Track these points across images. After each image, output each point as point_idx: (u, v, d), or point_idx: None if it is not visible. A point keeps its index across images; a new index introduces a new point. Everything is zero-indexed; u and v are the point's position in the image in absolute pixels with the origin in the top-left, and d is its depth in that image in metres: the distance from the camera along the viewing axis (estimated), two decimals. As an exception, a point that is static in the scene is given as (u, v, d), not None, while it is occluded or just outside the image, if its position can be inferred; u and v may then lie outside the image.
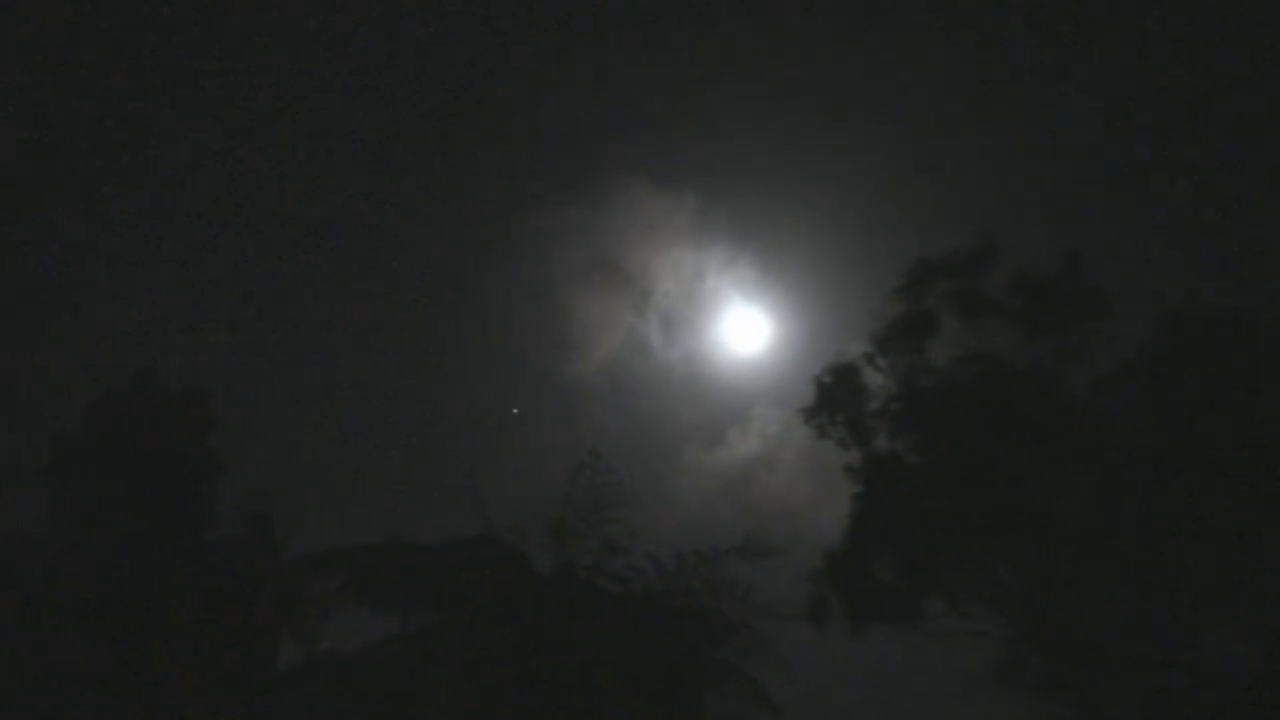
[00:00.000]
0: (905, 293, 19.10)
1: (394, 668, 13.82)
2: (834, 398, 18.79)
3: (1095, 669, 16.26)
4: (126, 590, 14.55)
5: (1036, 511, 17.14)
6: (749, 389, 34.93)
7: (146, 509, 15.61)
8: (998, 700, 16.56)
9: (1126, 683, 15.81)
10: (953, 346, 18.87)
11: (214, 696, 14.32)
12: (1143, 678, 15.76)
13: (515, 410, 31.10)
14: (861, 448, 18.69)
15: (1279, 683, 14.92)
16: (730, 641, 14.77)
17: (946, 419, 18.12)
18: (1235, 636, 15.72)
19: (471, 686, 13.48)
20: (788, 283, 35.80)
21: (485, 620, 14.26)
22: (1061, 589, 16.67)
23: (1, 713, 13.39)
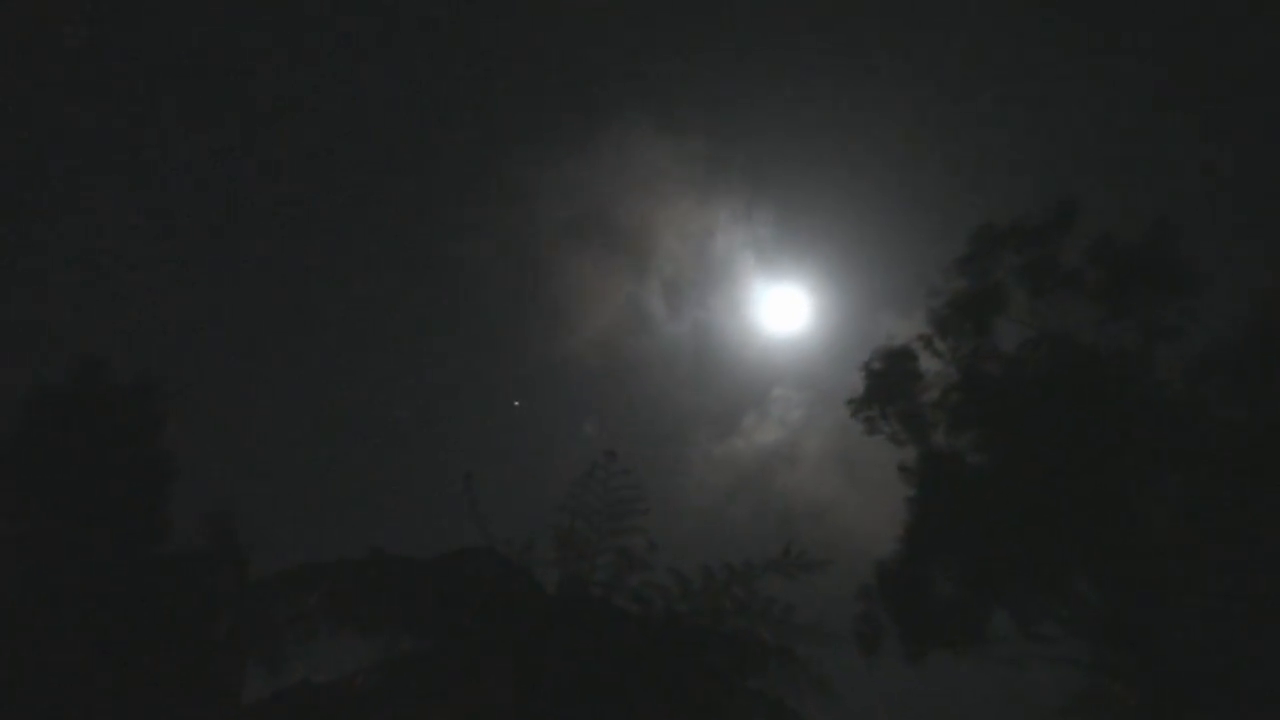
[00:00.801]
0: (968, 264, 18.47)
1: (377, 699, 13.54)
2: (886, 387, 18.24)
3: (1189, 703, 15.59)
4: (66, 612, 14.25)
5: (1121, 518, 16.55)
6: (767, 368, 33.86)
7: (90, 518, 15.35)
8: (1075, 737, 16.04)
9: None
10: (1023, 327, 18.48)
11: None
12: (1247, 713, 15.06)
13: (516, 404, 30.16)
14: (918, 444, 18.11)
15: None
16: (767, 669, 14.48)
17: (1015, 411, 17.69)
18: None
19: (467, 721, 12.74)
20: (812, 244, 34.52)
21: (483, 645, 13.98)
22: (1151, 608, 16.01)
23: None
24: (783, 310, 33.41)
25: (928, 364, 18.75)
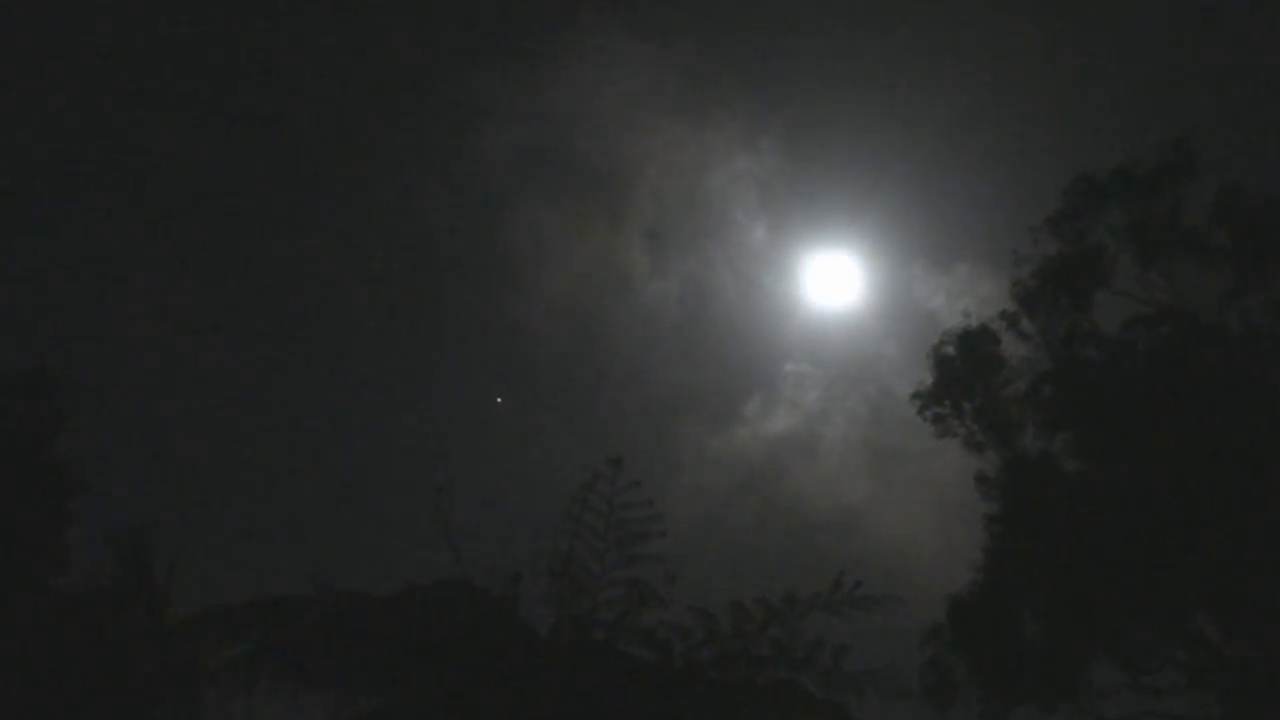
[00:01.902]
0: (1061, 223, 17.59)
1: (328, 769, 13.00)
2: (960, 377, 17.33)
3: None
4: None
5: (1255, 542, 15.53)
6: (776, 339, 32.05)
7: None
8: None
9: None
10: (1130, 301, 17.77)
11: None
12: None
13: (499, 399, 28.89)
14: (1000, 448, 17.30)
15: None
16: (814, 728, 13.71)
17: (1122, 407, 16.88)
18: None
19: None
20: (837, 184, 32.39)
21: (458, 702, 13.41)
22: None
23: None
24: (797, 267, 31.40)
25: (1012, 348, 18.03)
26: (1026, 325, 17.99)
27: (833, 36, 33.57)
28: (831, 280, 31.01)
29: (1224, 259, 17.23)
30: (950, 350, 18.27)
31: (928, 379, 18.39)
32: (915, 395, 18.10)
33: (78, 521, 16.09)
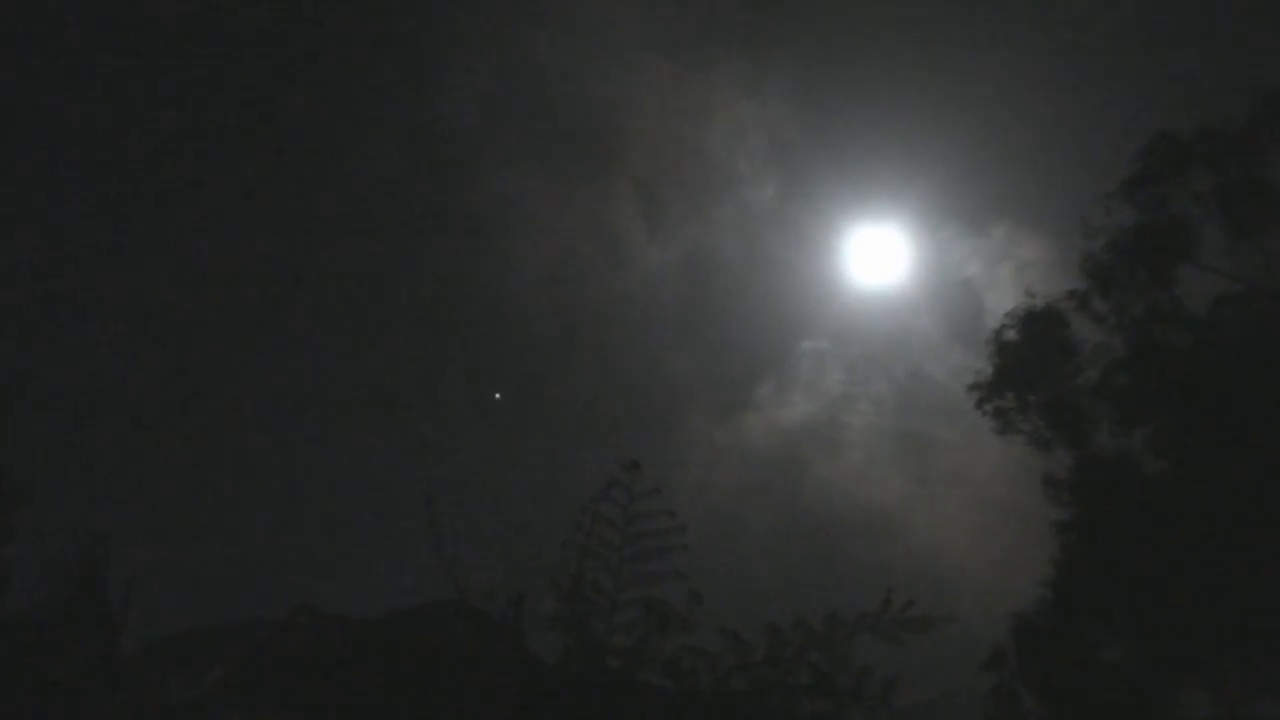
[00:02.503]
0: (1139, 189, 17.00)
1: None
2: (1025, 366, 16.73)
3: None
4: None
5: None
6: (791, 313, 30.76)
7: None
8: None
9: None
10: (1218, 278, 17.05)
11: None
12: None
13: (497, 396, 27.91)
14: (1071, 446, 16.90)
15: None
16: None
17: (1209, 399, 16.24)
18: None
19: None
20: (851, 132, 30.95)
21: None
22: None
23: None
24: (811, 232, 30.24)
25: (1083, 331, 17.43)
26: (1099, 305, 17.44)
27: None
28: (852, 246, 30.00)
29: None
30: (1012, 335, 17.75)
31: (986, 367, 18.02)
32: (974, 387, 17.58)
33: (16, 537, 15.77)
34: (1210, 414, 16.41)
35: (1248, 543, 15.48)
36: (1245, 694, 15.66)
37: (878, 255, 27.69)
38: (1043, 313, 17.77)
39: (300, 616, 13.44)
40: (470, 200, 29.51)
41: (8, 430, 15.41)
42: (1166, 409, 16.70)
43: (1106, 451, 17.07)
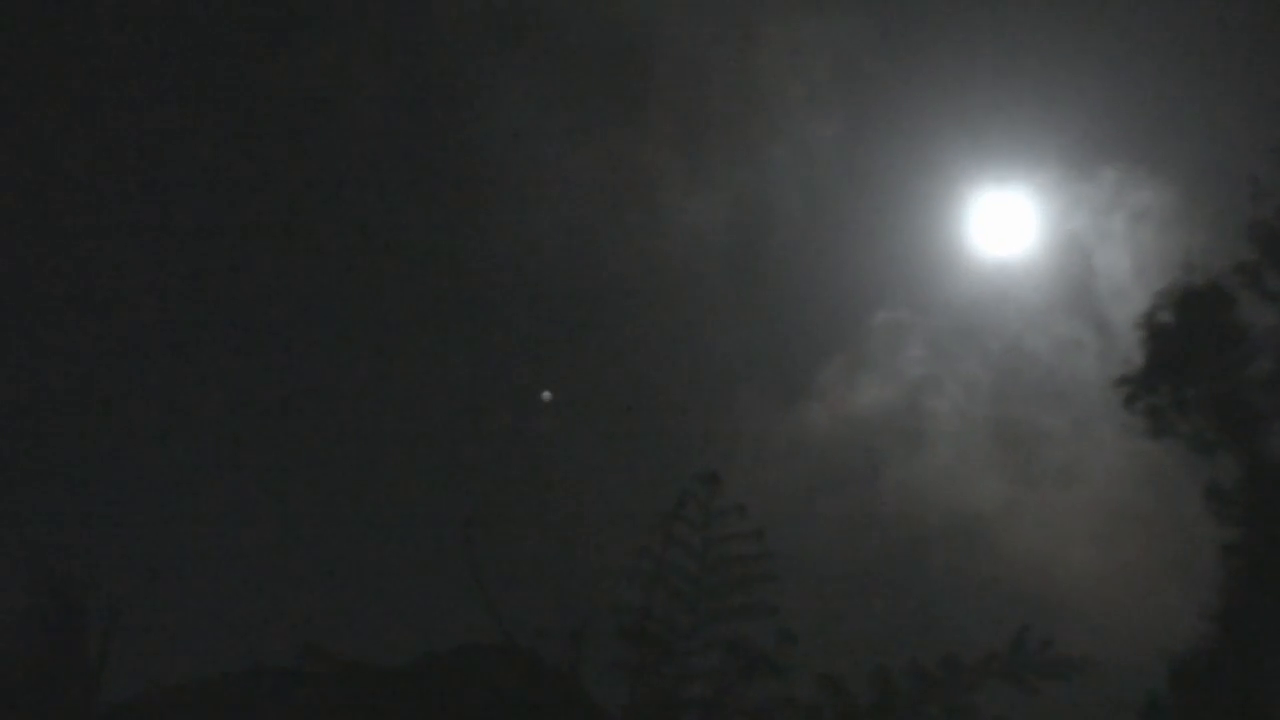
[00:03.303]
0: None
1: None
2: (1184, 354, 15.77)
3: None
4: None
5: None
6: (860, 279, 28.67)
7: None
8: None
9: None
10: None
11: None
12: None
13: (546, 395, 26.62)
14: (1240, 451, 15.98)
15: None
16: None
17: None
18: None
19: None
20: (930, 54, 28.73)
21: None
22: None
23: None
24: (885, 177, 28.13)
25: (1253, 313, 16.82)
26: (1274, 282, 16.43)
27: None
28: (932, 196, 27.78)
29: None
30: (1168, 317, 16.80)
31: (1135, 357, 17.44)
32: (1122, 381, 16.88)
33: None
34: None
35: None
36: None
37: (963, 207, 25.84)
38: (1204, 290, 17.09)
39: (311, 663, 12.83)
40: (465, 139, 27.22)
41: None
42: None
43: (1285, 460, 16.28)
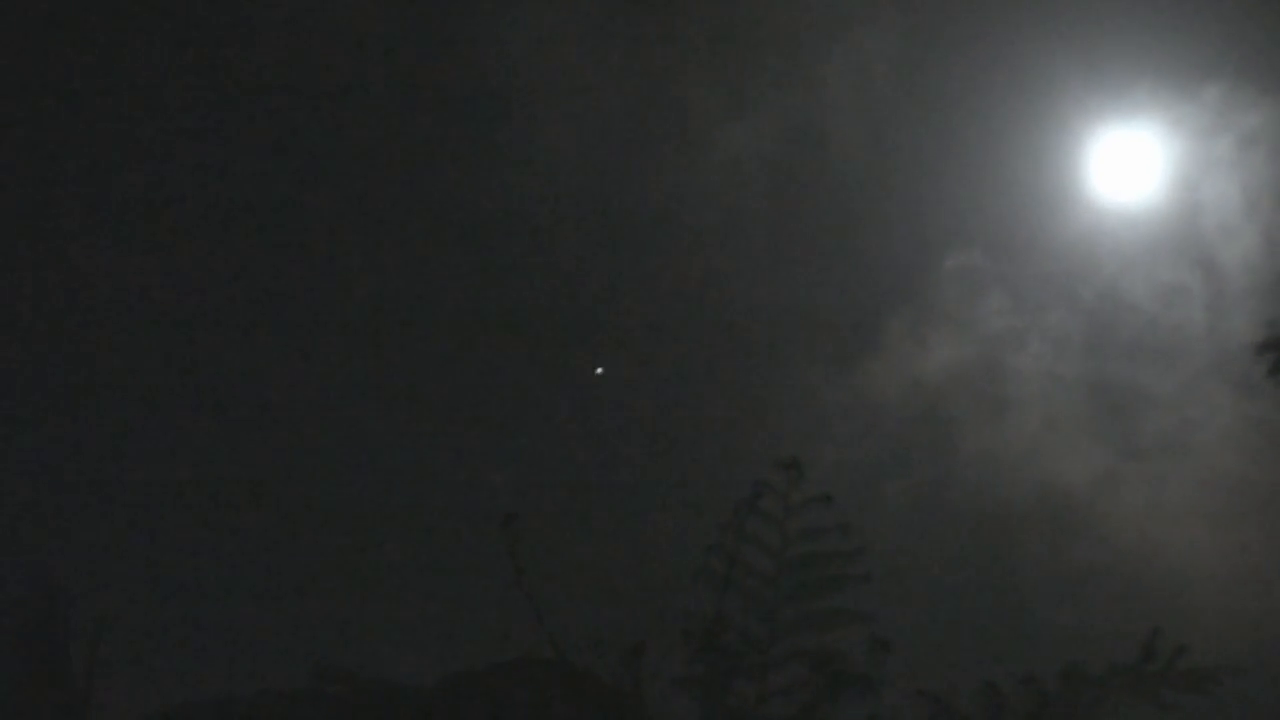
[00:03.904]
0: None
1: None
2: None
3: None
4: None
5: None
6: (928, 217, 26.07)
7: None
8: None
9: None
10: None
11: None
12: None
13: (599, 371, 24.81)
14: None
15: None
16: None
17: None
18: None
19: None
20: None
21: None
22: None
23: None
24: (953, 97, 25.73)
25: None
26: None
27: None
28: (1010, 121, 25.50)
29: None
30: None
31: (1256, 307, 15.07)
32: (1266, 346, 14.93)
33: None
34: None
35: None
36: None
37: (1045, 134, 23.66)
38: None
39: (327, 683, 11.76)
40: (472, 59, 24.99)
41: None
42: None
43: None
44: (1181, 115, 21.89)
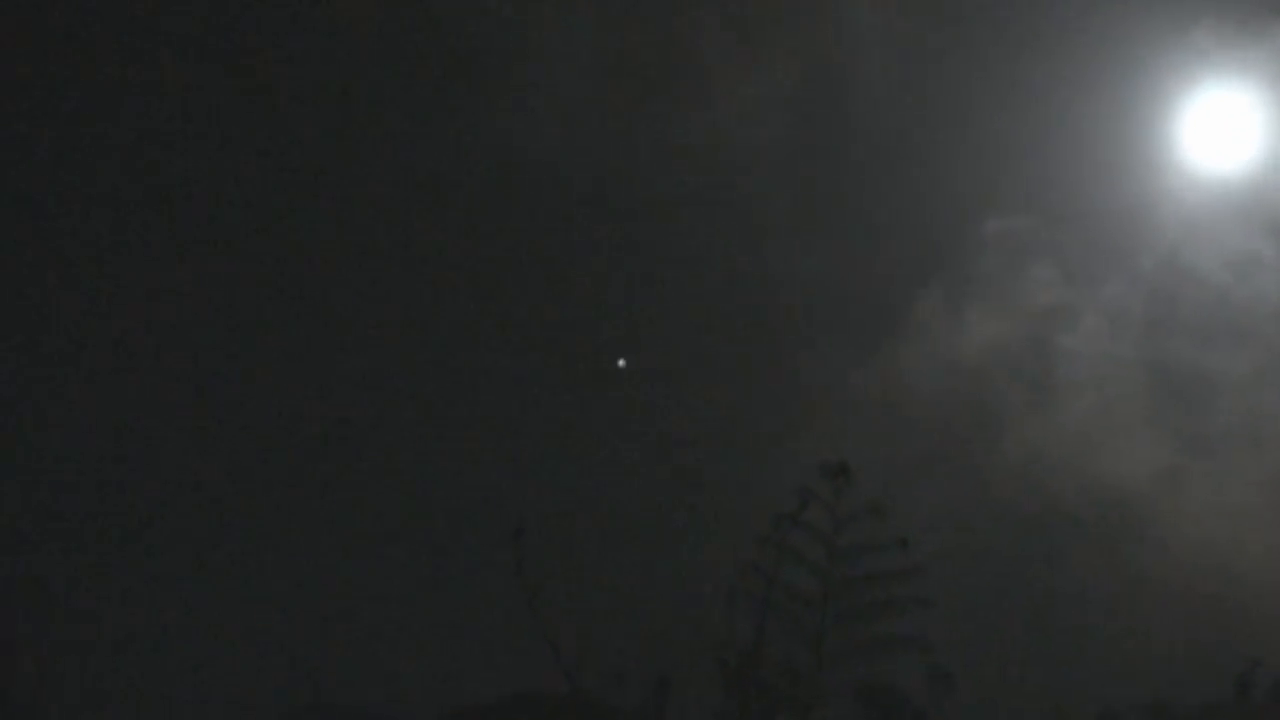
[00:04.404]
0: None
1: None
2: None
3: None
4: None
5: None
6: (963, 178, 23.70)
7: None
8: None
9: None
10: None
11: None
12: None
13: (621, 362, 23.11)
14: None
15: None
16: None
17: None
18: None
19: None
20: None
21: None
22: None
23: None
24: (988, 43, 23.53)
25: None
26: None
27: None
28: (1055, 70, 23.24)
29: None
30: None
31: None
32: None
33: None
34: None
35: None
36: None
37: (1094, 85, 21.77)
38: None
39: (324, 716, 12.17)
40: (455, 20, 23.22)
41: None
42: None
43: None
44: (1247, 61, 20.19)
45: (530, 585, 11.12)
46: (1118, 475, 18.95)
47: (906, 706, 11.61)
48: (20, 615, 14.43)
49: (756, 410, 22.30)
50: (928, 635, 11.26)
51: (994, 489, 21.19)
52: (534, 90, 24.66)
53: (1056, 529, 19.95)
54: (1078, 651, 16.49)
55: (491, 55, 24.95)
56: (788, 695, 11.30)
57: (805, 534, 10.99)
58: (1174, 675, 15.07)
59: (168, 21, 27.38)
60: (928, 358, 22.35)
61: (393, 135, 25.35)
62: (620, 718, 11.72)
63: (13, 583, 14.69)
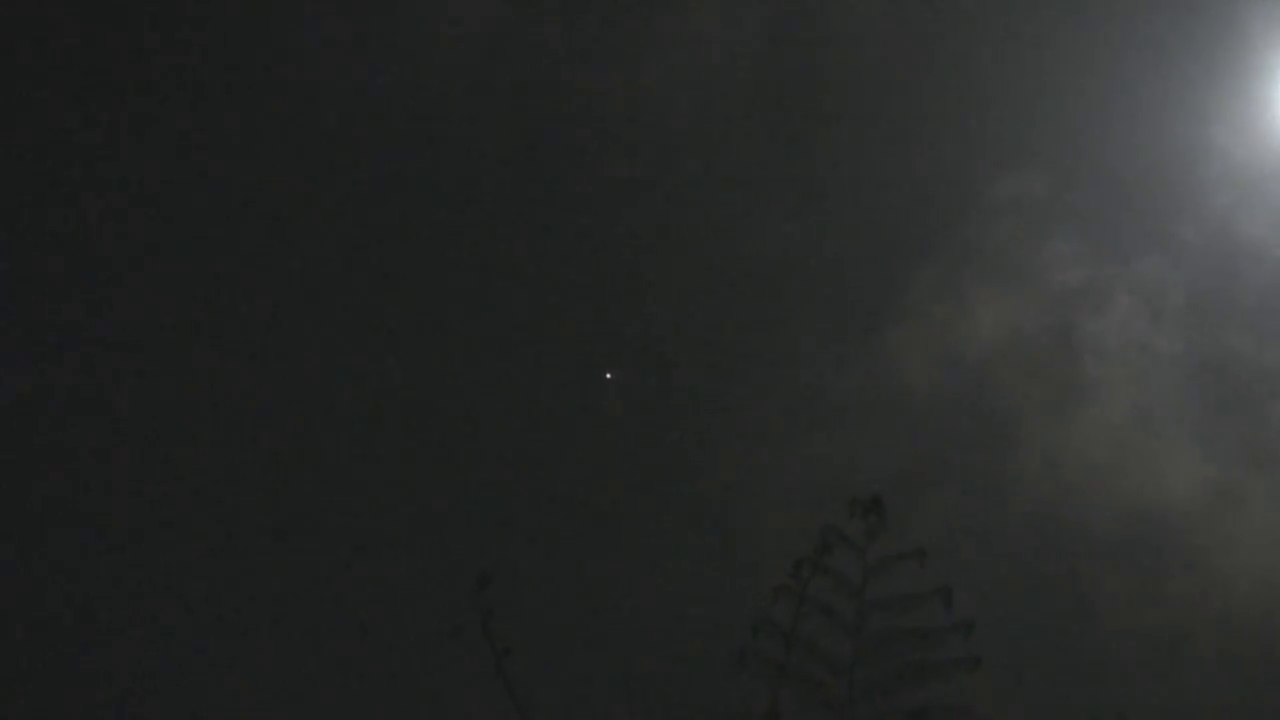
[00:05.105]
0: None
1: None
2: None
3: None
4: None
5: None
6: (971, 133, 21.16)
7: None
8: None
9: None
10: None
11: None
12: None
13: (608, 376, 20.78)
14: None
15: None
16: None
17: None
18: None
19: None
20: None
21: None
22: None
23: None
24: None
25: None
26: None
27: None
28: (1068, 7, 21.04)
29: None
30: None
31: None
32: None
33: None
34: None
35: None
36: None
37: (1115, 30, 19.51)
38: None
39: None
40: None
41: None
42: None
43: None
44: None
45: (498, 646, 9.91)
46: (1164, 493, 16.99)
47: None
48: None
49: (735, 418, 19.68)
50: (977, 709, 10.34)
51: (1011, 506, 18.80)
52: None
53: (1082, 556, 17.57)
54: (1105, 697, 14.82)
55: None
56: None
57: (831, 582, 9.69)
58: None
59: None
60: (929, 347, 19.70)
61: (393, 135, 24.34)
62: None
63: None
